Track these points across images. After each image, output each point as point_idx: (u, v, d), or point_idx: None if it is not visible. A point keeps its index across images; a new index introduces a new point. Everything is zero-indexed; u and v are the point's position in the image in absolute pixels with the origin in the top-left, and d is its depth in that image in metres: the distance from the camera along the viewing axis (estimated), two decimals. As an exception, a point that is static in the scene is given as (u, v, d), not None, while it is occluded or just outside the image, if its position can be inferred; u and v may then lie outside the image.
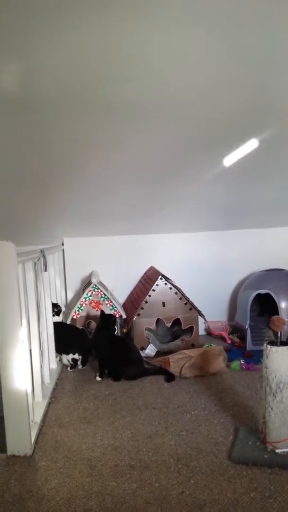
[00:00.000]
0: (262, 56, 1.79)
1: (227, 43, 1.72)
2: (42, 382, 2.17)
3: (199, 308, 2.86)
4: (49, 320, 2.48)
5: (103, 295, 2.80)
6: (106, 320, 2.51)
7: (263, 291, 2.84)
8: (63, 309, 2.89)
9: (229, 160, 2.46)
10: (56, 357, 2.58)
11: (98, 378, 2.38)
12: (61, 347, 2.55)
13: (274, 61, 1.82)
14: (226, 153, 2.39)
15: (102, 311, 2.58)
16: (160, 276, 2.81)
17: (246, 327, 2.86)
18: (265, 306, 3.00)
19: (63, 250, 3.22)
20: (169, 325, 2.86)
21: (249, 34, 1.69)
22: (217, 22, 1.63)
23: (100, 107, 1.96)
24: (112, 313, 2.69)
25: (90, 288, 2.80)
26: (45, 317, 2.36)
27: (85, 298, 2.79)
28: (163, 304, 2.81)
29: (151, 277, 3.01)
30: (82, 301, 2.78)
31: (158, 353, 2.72)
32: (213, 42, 1.70)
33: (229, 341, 2.99)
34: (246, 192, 2.81)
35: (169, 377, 2.33)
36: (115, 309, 2.79)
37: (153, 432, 1.78)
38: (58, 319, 2.73)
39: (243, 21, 1.63)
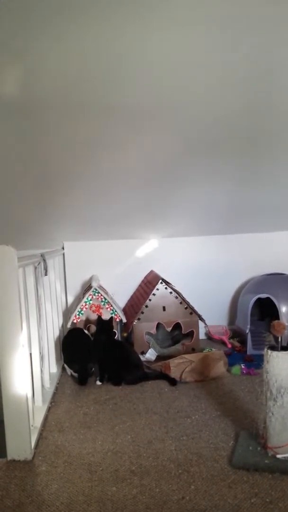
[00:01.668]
0: (264, 57, 1.80)
1: (227, 45, 1.73)
2: (42, 386, 2.16)
3: (200, 312, 2.86)
4: (49, 324, 2.48)
5: (103, 299, 2.80)
6: (105, 324, 2.51)
7: (263, 296, 2.84)
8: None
9: (229, 163, 2.47)
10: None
11: (98, 383, 2.38)
12: (66, 356, 2.52)
13: (276, 62, 1.83)
14: (226, 156, 2.40)
15: (99, 317, 2.58)
16: (161, 280, 2.81)
17: (247, 331, 2.86)
18: (265, 310, 3.00)
19: (63, 254, 3.22)
20: (169, 329, 2.85)
21: (250, 36, 1.70)
22: (217, 24, 1.64)
23: (100, 109, 1.97)
24: (111, 317, 2.68)
25: (90, 292, 2.79)
26: (45, 321, 2.36)
27: (86, 302, 2.79)
28: (164, 308, 2.81)
29: (151, 281, 3.01)
30: (82, 305, 2.78)
31: (159, 358, 2.72)
32: (214, 44, 1.72)
33: (229, 346, 2.99)
34: (246, 196, 2.82)
35: (172, 382, 2.32)
36: (116, 313, 2.79)
37: (153, 437, 1.78)
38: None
39: (244, 22, 1.64)
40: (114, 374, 2.39)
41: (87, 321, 2.78)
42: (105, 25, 1.61)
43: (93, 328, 2.78)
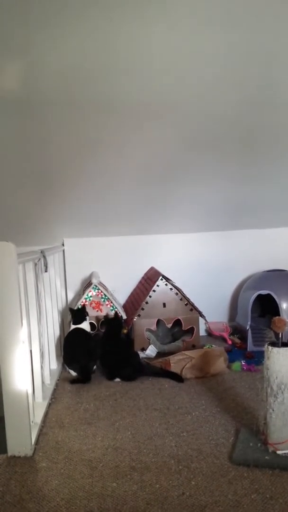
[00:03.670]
0: (264, 53, 1.79)
1: (228, 40, 1.71)
2: (43, 382, 2.16)
3: (200, 308, 2.85)
4: (50, 320, 2.48)
5: (103, 296, 2.80)
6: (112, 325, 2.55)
7: (264, 292, 2.84)
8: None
9: (230, 159, 2.46)
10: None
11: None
12: (67, 357, 2.50)
13: (276, 58, 1.82)
14: (227, 153, 2.39)
15: (106, 316, 2.59)
16: (161, 277, 2.80)
17: (247, 328, 2.86)
18: (266, 307, 2.99)
19: (63, 250, 3.22)
20: (169, 326, 2.85)
21: (250, 31, 1.68)
22: (217, 19, 1.63)
23: (101, 107, 1.97)
24: (116, 314, 2.68)
25: (90, 288, 2.79)
26: (46, 317, 2.36)
27: (86, 298, 2.79)
28: (164, 304, 2.80)
29: (151, 277, 3.00)
30: (82, 302, 2.77)
31: (159, 354, 2.72)
32: (214, 40, 1.70)
33: (230, 342, 2.99)
34: (247, 192, 2.81)
35: (178, 379, 2.31)
36: (116, 309, 2.79)
37: (153, 433, 1.78)
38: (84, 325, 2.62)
39: (244, 17, 1.63)
40: (109, 368, 2.40)
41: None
42: (106, 22, 1.60)
43: (93, 325, 2.79)
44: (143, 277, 3.24)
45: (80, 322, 2.56)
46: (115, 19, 1.59)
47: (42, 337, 2.18)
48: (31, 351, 2.01)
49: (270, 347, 1.54)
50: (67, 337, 2.56)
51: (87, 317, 2.60)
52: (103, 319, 2.76)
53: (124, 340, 2.70)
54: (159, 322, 2.83)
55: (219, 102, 2.02)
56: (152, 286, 2.80)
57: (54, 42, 1.65)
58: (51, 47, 1.67)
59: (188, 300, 2.83)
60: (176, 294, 2.82)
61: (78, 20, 1.58)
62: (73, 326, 2.56)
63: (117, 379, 2.37)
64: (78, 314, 2.59)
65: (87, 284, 2.99)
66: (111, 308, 2.80)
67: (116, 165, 2.41)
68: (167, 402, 2.07)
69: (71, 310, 2.62)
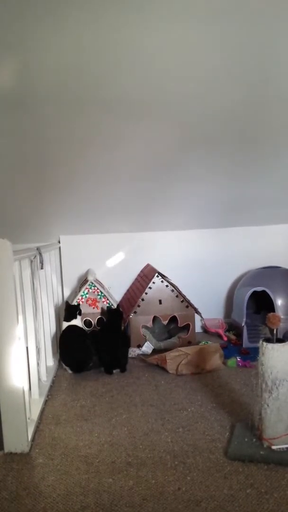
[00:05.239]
0: (263, 51, 1.78)
1: (227, 38, 1.71)
2: (39, 379, 2.16)
3: (196, 305, 2.86)
4: (46, 317, 2.48)
5: (99, 293, 2.80)
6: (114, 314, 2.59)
7: (259, 289, 2.85)
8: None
9: (226, 157, 2.46)
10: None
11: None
12: (63, 354, 2.51)
13: (275, 56, 1.82)
14: (223, 150, 2.39)
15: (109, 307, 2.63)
16: (157, 274, 2.81)
17: (243, 324, 2.87)
18: (261, 303, 3.01)
19: (59, 247, 3.21)
20: (165, 322, 2.86)
21: (249, 28, 1.68)
22: (217, 17, 1.62)
23: (97, 104, 1.96)
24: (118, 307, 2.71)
25: (86, 285, 2.80)
26: (42, 314, 2.36)
27: (82, 295, 2.79)
28: (160, 301, 2.81)
29: (147, 274, 3.01)
30: (78, 299, 2.78)
31: (155, 351, 2.73)
32: (213, 37, 1.70)
33: (225, 339, 3.00)
34: (242, 190, 2.82)
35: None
36: (111, 306, 2.79)
37: (149, 429, 1.79)
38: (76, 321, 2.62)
39: (244, 15, 1.62)
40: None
41: (83, 315, 2.78)
42: (103, 19, 1.59)
43: (89, 321, 2.79)
44: (139, 274, 3.24)
45: (70, 319, 2.56)
46: (113, 15, 1.58)
47: (38, 334, 2.18)
48: (27, 348, 2.02)
49: (264, 343, 1.55)
50: (63, 334, 2.56)
51: (78, 316, 2.60)
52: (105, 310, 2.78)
53: (118, 333, 2.69)
54: (155, 319, 2.84)
55: (216, 100, 2.02)
56: (148, 283, 2.81)
57: (51, 38, 1.64)
58: (48, 43, 1.66)
59: (184, 297, 2.84)
60: (172, 291, 2.82)
61: (75, 17, 1.58)
62: (65, 323, 2.57)
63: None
64: (71, 311, 2.59)
65: (83, 281, 2.99)
66: (108, 305, 2.80)
67: (112, 162, 2.41)
68: (163, 398, 2.08)
69: (68, 304, 2.63)
